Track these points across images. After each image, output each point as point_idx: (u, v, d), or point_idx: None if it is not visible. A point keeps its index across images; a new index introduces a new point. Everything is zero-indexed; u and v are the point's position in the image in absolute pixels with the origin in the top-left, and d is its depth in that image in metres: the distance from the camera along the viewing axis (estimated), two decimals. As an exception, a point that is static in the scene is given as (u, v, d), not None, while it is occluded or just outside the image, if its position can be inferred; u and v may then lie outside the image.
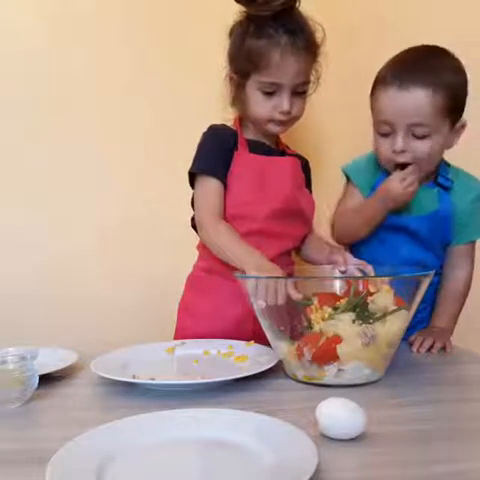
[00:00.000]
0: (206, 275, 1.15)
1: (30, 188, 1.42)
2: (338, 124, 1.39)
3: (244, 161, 1.08)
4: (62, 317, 1.40)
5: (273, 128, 1.09)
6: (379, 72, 1.05)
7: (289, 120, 1.08)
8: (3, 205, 1.41)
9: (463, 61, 1.01)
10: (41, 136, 1.41)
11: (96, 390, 0.81)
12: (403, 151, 1.02)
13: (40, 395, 0.77)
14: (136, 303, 1.41)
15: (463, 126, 1.04)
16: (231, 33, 1.08)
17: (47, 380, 0.82)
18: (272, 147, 1.13)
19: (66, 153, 1.42)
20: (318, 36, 1.06)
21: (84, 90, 1.40)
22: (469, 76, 1.01)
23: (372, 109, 1.06)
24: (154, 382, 0.78)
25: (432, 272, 0.80)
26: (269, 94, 1.05)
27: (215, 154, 1.08)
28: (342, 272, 0.98)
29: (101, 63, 1.41)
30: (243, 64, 1.05)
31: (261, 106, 1.06)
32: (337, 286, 0.83)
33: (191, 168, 1.07)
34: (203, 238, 1.09)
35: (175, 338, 1.13)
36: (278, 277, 0.88)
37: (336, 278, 0.95)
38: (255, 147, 1.10)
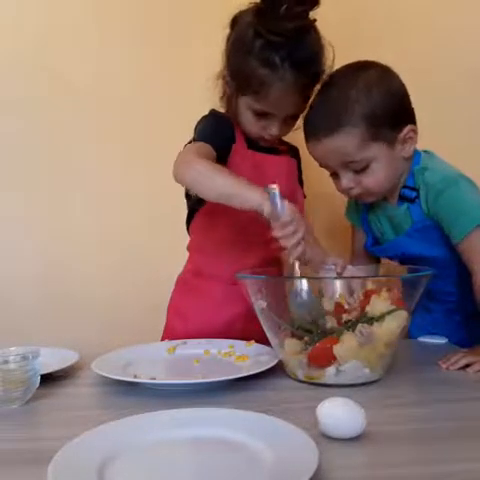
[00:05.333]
0: (194, 277, 1.14)
1: (30, 189, 1.42)
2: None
3: (242, 155, 1.05)
4: (63, 317, 1.41)
5: (261, 141, 1.07)
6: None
7: (279, 137, 1.07)
8: (3, 206, 1.42)
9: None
10: (41, 136, 1.41)
11: (97, 390, 0.81)
12: (351, 187, 1.00)
13: (41, 395, 0.77)
14: (137, 303, 1.41)
15: (413, 131, 0.98)
16: (233, 24, 1.01)
17: (48, 380, 0.82)
18: (265, 144, 1.10)
19: (66, 153, 1.42)
20: (327, 62, 1.00)
21: (84, 90, 1.40)
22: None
23: None
24: (155, 382, 0.78)
25: (431, 272, 0.80)
26: (260, 115, 1.02)
27: (213, 130, 1.03)
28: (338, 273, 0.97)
29: (101, 63, 1.41)
30: (240, 82, 1.00)
31: (251, 124, 1.04)
32: (337, 286, 0.83)
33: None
34: (181, 174, 0.92)
35: (163, 339, 1.13)
36: (279, 278, 0.88)
37: (336, 278, 0.94)
38: (251, 142, 1.08)
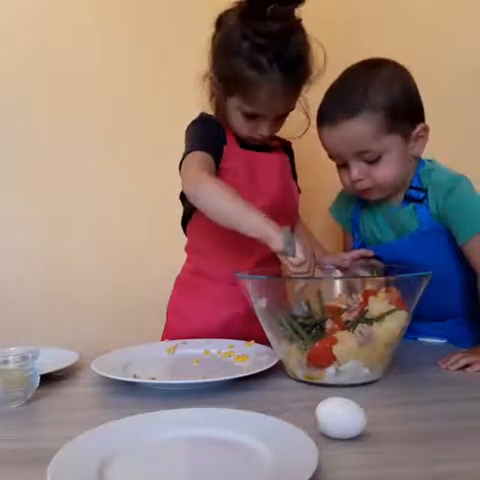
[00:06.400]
0: (193, 277, 1.14)
1: (30, 189, 1.42)
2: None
3: (234, 155, 1.04)
4: (63, 317, 1.41)
5: (251, 141, 1.06)
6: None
7: (269, 135, 1.06)
8: (3, 206, 1.42)
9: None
10: (41, 136, 1.41)
11: (97, 390, 0.81)
12: (361, 179, 0.99)
13: (41, 395, 0.77)
14: (137, 303, 1.41)
15: (425, 129, 0.99)
16: (218, 24, 1.00)
17: (48, 380, 0.82)
18: (256, 143, 1.08)
19: (66, 153, 1.42)
20: (316, 60, 0.99)
21: (84, 90, 1.40)
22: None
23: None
24: (155, 382, 0.78)
25: (430, 272, 0.80)
26: (250, 117, 1.01)
27: (205, 134, 1.03)
28: (343, 269, 0.97)
29: (102, 63, 1.41)
30: (227, 83, 0.99)
31: (241, 125, 1.03)
32: (338, 286, 0.83)
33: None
34: (192, 197, 0.93)
35: (163, 339, 1.13)
36: (279, 278, 0.89)
37: (337, 278, 0.95)
38: (242, 141, 1.07)
